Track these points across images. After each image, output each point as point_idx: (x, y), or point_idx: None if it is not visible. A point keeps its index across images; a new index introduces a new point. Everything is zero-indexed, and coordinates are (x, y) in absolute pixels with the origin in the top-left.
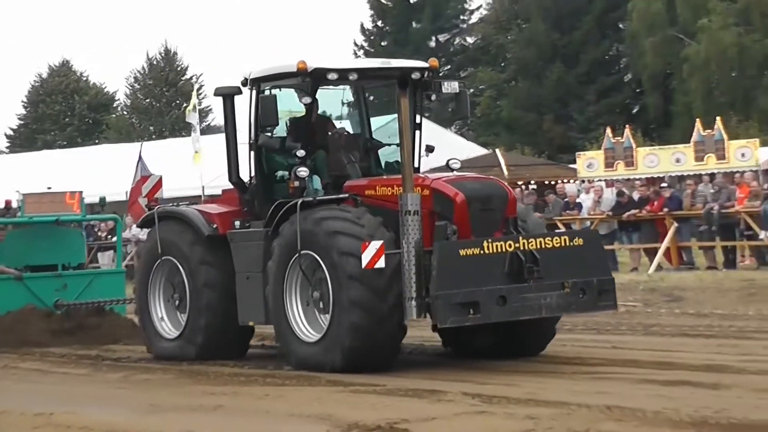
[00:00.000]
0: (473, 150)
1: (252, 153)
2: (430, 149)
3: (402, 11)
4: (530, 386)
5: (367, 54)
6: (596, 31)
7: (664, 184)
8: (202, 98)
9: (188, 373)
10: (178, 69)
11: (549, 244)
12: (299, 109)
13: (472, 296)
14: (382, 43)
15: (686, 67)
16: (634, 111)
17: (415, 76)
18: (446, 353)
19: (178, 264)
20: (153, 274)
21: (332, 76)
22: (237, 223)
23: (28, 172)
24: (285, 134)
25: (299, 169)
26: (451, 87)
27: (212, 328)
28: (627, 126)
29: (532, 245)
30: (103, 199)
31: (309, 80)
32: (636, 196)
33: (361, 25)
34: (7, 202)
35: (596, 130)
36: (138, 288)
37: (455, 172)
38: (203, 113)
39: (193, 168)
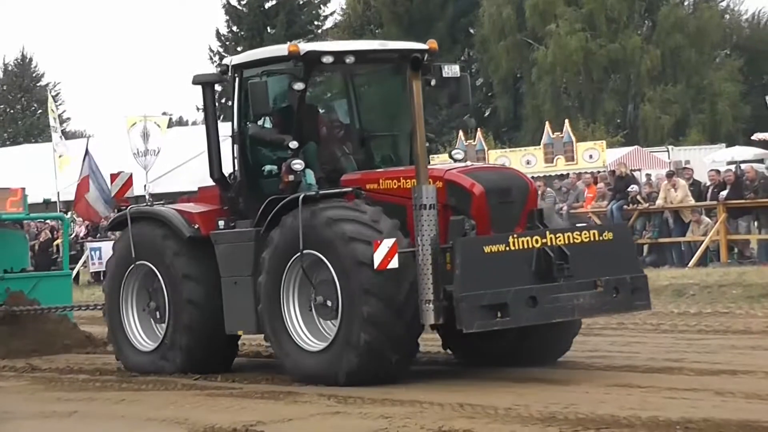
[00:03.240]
0: None
1: (235, 146)
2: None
3: (257, 17)
4: (385, 387)
5: (222, 59)
6: (448, 36)
7: None
8: (59, 104)
9: (41, 379)
10: (34, 75)
11: (578, 239)
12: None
13: (500, 297)
14: (238, 49)
15: (535, 71)
16: (486, 114)
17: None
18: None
19: (155, 269)
20: (125, 280)
21: (327, 59)
22: (221, 223)
23: None
24: (268, 125)
25: (294, 161)
26: (451, 71)
27: (194, 342)
28: (479, 129)
29: (560, 240)
30: (47, 200)
31: (301, 64)
32: None
33: (217, 31)
34: None
35: (449, 133)
36: (108, 295)
37: (468, 163)
38: (61, 119)
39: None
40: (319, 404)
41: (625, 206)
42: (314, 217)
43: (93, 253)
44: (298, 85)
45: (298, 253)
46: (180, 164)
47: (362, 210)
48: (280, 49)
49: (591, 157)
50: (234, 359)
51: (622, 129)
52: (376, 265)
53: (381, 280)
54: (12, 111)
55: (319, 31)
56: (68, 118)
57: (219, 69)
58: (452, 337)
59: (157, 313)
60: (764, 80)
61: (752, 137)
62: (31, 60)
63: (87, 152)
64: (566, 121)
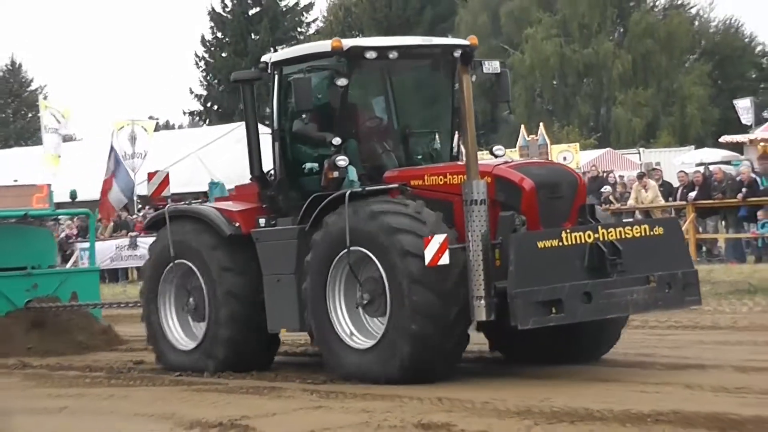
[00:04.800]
0: None
1: (276, 143)
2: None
3: (240, 23)
4: (367, 383)
5: (207, 64)
6: None
7: None
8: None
9: (33, 376)
10: (23, 81)
11: (629, 234)
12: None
13: (555, 293)
14: (222, 54)
15: (511, 75)
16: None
17: (457, 53)
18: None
19: (194, 267)
20: (163, 280)
21: (371, 54)
22: (262, 220)
23: None
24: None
25: (338, 158)
26: (492, 66)
27: (235, 340)
28: (456, 132)
29: (612, 235)
30: (74, 192)
31: (344, 60)
32: None
33: (202, 37)
34: None
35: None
36: (146, 295)
37: (517, 158)
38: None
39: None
40: (302, 399)
41: (598, 206)
42: (360, 213)
43: (83, 253)
44: (342, 81)
45: (345, 250)
46: (166, 167)
47: (405, 203)
48: (323, 45)
49: (565, 158)
50: (275, 356)
51: (595, 132)
52: (427, 262)
53: (429, 270)
54: (3, 115)
55: (302, 37)
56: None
57: (258, 66)
58: (501, 336)
59: (197, 311)
60: (732, 84)
61: (720, 139)
62: (20, 66)
63: (112, 148)
64: (541, 124)
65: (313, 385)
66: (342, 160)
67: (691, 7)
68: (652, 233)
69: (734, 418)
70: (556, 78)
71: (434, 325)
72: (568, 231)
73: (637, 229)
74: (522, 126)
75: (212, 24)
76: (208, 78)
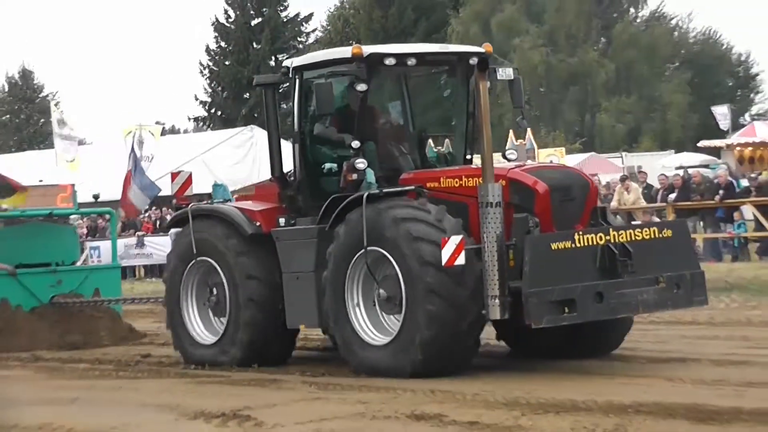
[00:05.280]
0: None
1: (297, 145)
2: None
3: (243, 33)
4: (362, 375)
5: (211, 72)
6: None
7: None
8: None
9: (45, 368)
10: (35, 87)
11: (639, 236)
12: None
13: (568, 293)
14: (226, 62)
15: (500, 83)
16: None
17: (473, 61)
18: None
19: (216, 266)
20: (186, 275)
21: (390, 61)
22: (282, 220)
23: None
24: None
25: (357, 161)
26: (505, 74)
27: (254, 337)
28: (447, 138)
29: (622, 237)
30: (97, 194)
31: (364, 66)
32: None
33: (207, 46)
34: None
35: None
36: (168, 289)
37: (529, 162)
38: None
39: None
40: (302, 390)
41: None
42: (380, 216)
43: (93, 251)
44: (361, 86)
45: (363, 250)
46: (172, 169)
47: (427, 209)
48: (343, 52)
49: (551, 162)
50: (292, 353)
51: (580, 137)
52: (443, 262)
53: (445, 279)
54: (17, 120)
55: (302, 46)
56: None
57: (280, 72)
58: (509, 331)
59: (218, 307)
60: (710, 92)
61: (698, 144)
62: (32, 73)
63: (132, 148)
64: (528, 129)
65: (312, 378)
66: (361, 163)
67: (672, 19)
68: (661, 235)
69: (712, 408)
70: (543, 86)
71: (448, 333)
72: (580, 233)
73: (646, 231)
74: (510, 131)
75: (216, 34)
76: (212, 85)
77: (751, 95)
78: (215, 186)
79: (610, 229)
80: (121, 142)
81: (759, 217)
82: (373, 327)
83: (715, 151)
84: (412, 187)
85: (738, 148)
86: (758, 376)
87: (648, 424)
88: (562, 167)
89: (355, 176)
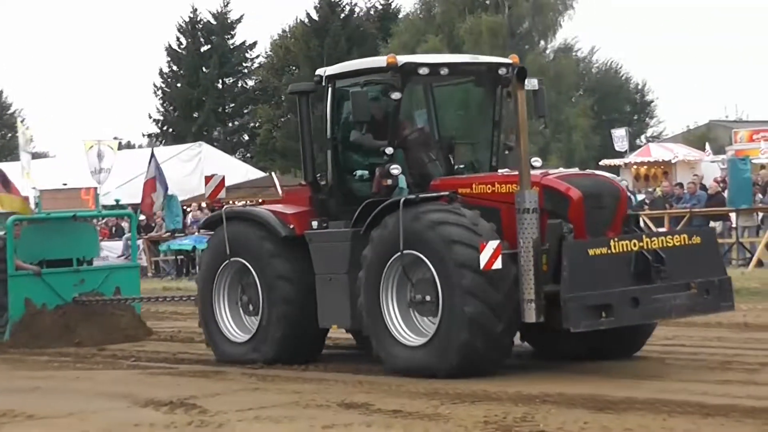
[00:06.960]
0: (253, 173)
1: (330, 151)
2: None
3: (194, 59)
4: (298, 368)
5: (164, 93)
6: None
7: None
8: (27, 129)
9: (9, 360)
10: (3, 105)
11: (671, 243)
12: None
13: (605, 298)
14: (178, 85)
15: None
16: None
17: (502, 71)
18: None
19: (249, 266)
20: (219, 275)
21: (423, 70)
22: (314, 223)
23: None
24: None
25: (392, 166)
26: (530, 83)
27: (286, 335)
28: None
29: (655, 244)
30: (118, 199)
31: (398, 75)
32: None
33: (160, 69)
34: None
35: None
36: (202, 289)
37: (560, 169)
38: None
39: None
40: (242, 381)
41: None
42: (417, 220)
43: (102, 253)
44: (396, 95)
45: (398, 253)
46: (127, 180)
47: (462, 213)
48: (378, 61)
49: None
50: (321, 351)
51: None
52: (482, 266)
53: (482, 282)
54: None
55: (246, 71)
56: (30, 140)
57: (314, 80)
58: (534, 333)
59: (250, 306)
60: (610, 116)
61: (600, 163)
62: (1, 92)
63: (152, 156)
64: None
65: (252, 370)
66: (395, 169)
67: (577, 51)
68: (690, 242)
69: (609, 399)
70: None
71: (484, 334)
72: (616, 239)
73: (677, 238)
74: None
75: (169, 59)
76: (165, 105)
77: (647, 119)
78: (168, 196)
79: (644, 236)
80: (83, 154)
81: (651, 227)
82: (407, 328)
83: (615, 169)
84: (446, 193)
85: (635, 167)
86: (649, 370)
87: (553, 413)
88: (592, 174)
89: (389, 182)
